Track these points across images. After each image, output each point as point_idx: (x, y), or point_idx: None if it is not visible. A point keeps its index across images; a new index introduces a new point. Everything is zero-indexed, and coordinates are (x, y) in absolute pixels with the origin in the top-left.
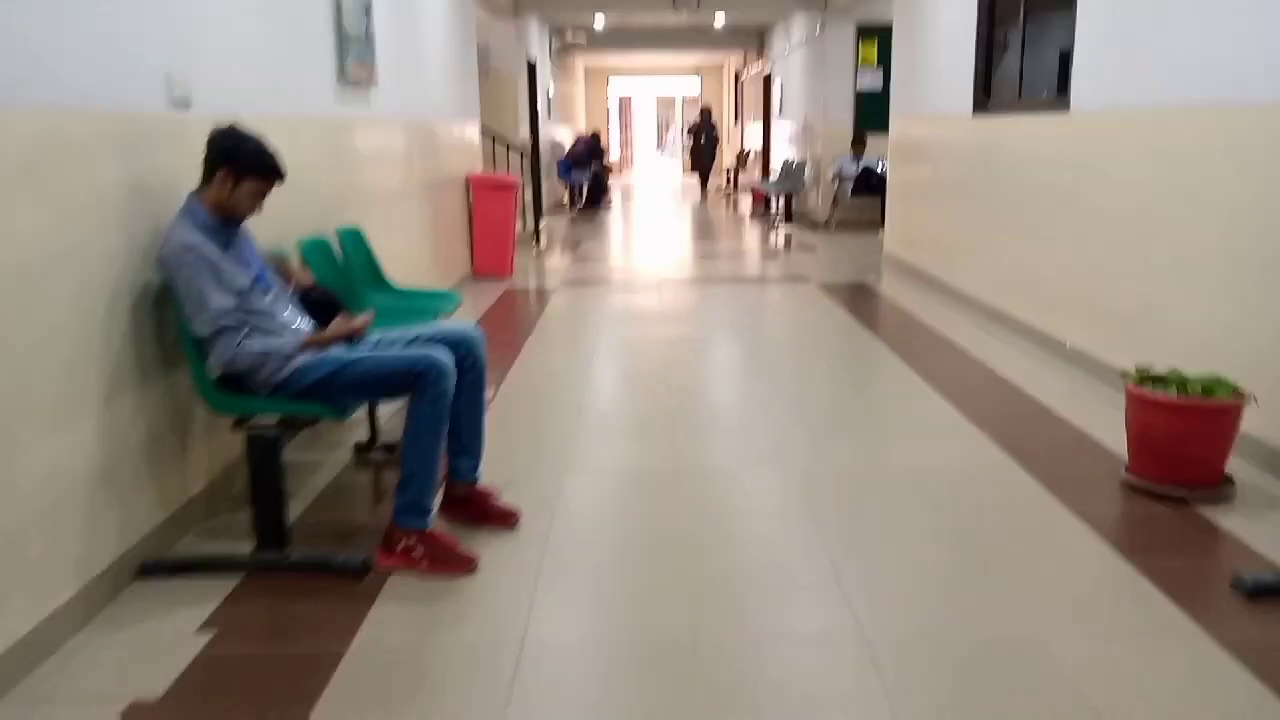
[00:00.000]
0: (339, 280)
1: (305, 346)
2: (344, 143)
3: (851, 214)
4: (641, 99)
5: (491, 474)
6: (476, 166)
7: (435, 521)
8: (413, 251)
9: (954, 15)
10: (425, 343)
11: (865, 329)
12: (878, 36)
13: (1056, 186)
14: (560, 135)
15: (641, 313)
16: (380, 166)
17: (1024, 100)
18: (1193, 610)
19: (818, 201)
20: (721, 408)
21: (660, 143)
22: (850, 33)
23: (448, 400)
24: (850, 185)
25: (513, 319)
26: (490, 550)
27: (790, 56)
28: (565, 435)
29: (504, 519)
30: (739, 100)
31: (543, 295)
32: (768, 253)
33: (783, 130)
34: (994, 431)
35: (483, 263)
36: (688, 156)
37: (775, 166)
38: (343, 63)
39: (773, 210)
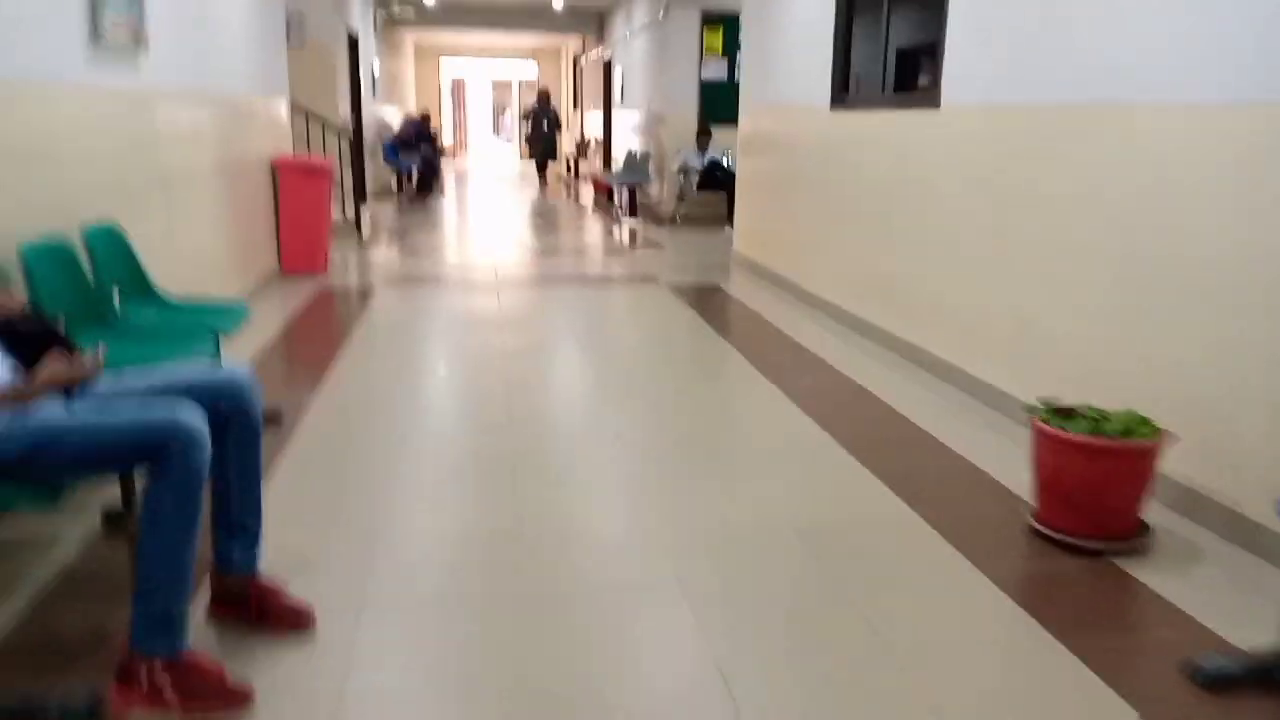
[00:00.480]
0: (79, 296)
1: None
2: (100, 119)
3: (697, 209)
4: (476, 81)
5: (277, 555)
6: (286, 149)
7: (193, 637)
8: (202, 249)
9: (810, 3)
10: (174, 395)
11: (721, 337)
12: (723, 24)
13: (923, 187)
14: (388, 116)
15: (477, 318)
16: (154, 148)
17: (888, 95)
18: (1146, 708)
19: (662, 194)
20: (571, 443)
21: (496, 127)
22: (695, 20)
23: (199, 477)
24: (696, 179)
25: (324, 327)
26: (273, 672)
27: (631, 42)
28: (379, 489)
29: (294, 620)
30: (578, 86)
31: (363, 296)
32: (613, 249)
33: (625, 119)
34: (877, 466)
35: (292, 258)
36: (524, 143)
37: (618, 156)
38: (96, 18)
39: (616, 202)
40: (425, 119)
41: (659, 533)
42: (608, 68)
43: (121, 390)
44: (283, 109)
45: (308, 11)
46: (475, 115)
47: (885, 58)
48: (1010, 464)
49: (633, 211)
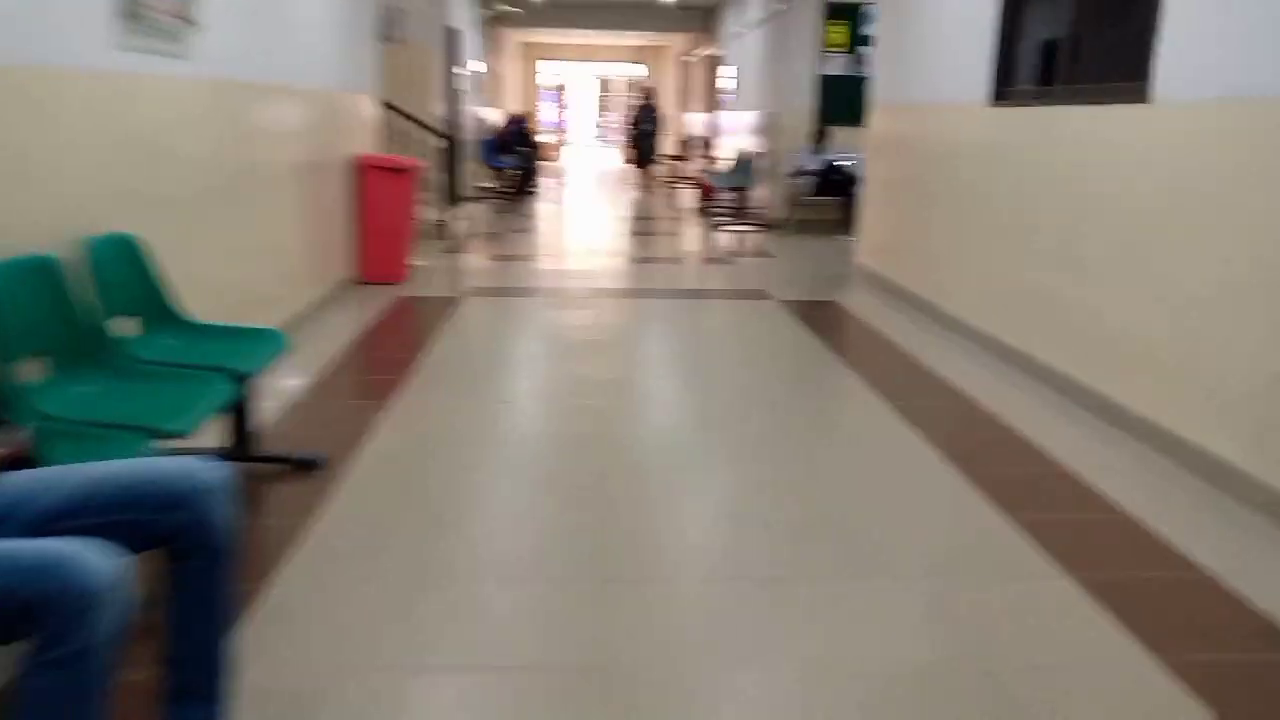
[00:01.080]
0: (60, 325)
1: None
2: (136, 111)
3: (811, 215)
4: (581, 80)
5: (266, 675)
6: (375, 148)
7: None
8: (266, 257)
9: None
10: (98, 506)
11: (849, 369)
12: (848, 17)
13: (1123, 200)
14: (488, 116)
15: (568, 338)
16: (211, 145)
17: (1077, 88)
18: None
19: (773, 198)
20: (678, 524)
21: (599, 127)
22: (815, 12)
23: (99, 657)
24: (811, 183)
25: (395, 347)
26: None
27: (744, 37)
28: (428, 584)
29: None
30: (684, 85)
31: (445, 308)
32: (718, 257)
33: (733, 118)
34: (1071, 564)
35: (373, 265)
36: (629, 144)
37: (724, 157)
38: None
39: (721, 206)
40: (525, 119)
41: (791, 679)
42: (714, 65)
43: (43, 490)
44: (368, 106)
45: (407, 8)
46: (578, 115)
47: (1076, 40)
48: (1260, 576)
49: (740, 215)
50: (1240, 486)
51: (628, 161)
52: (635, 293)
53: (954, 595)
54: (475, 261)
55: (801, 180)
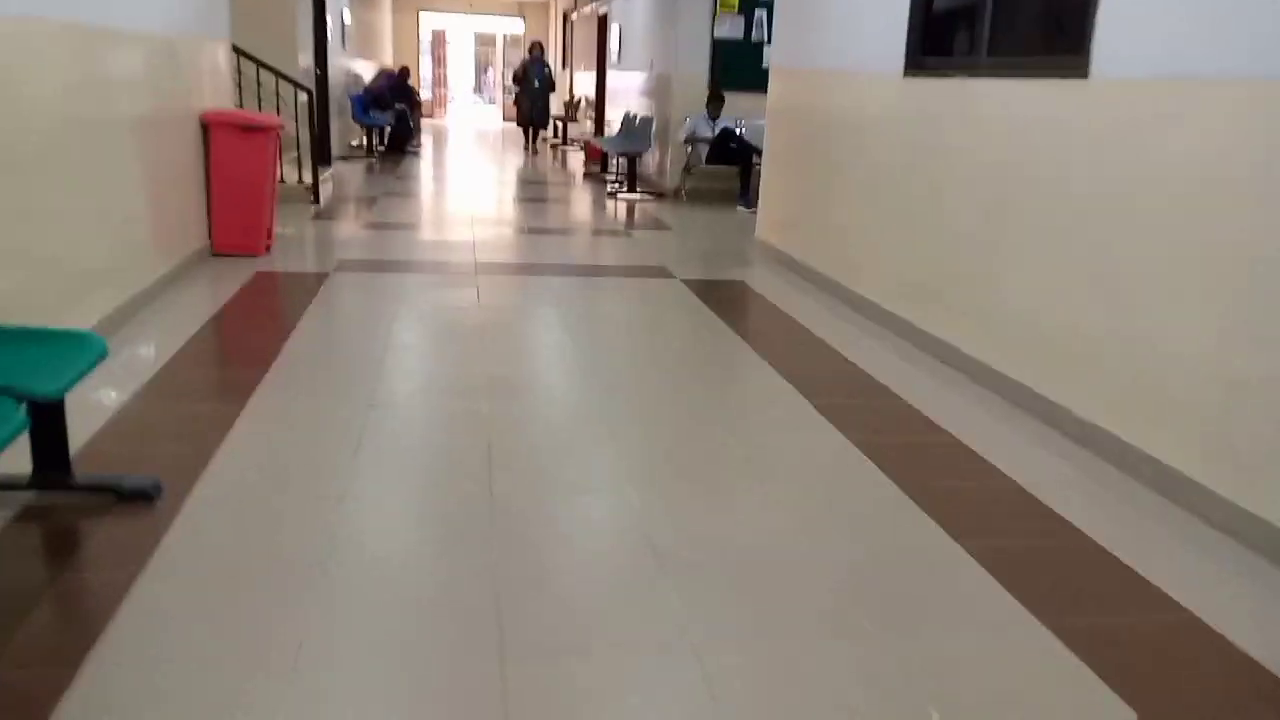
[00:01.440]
0: None
1: None
2: None
3: (705, 183)
4: (459, 35)
5: None
6: (227, 103)
7: None
8: (97, 227)
9: None
10: None
11: (769, 365)
12: None
13: (1056, 184)
14: (361, 69)
15: (451, 323)
16: (20, 94)
17: (1006, 60)
18: None
19: (665, 165)
20: (582, 567)
21: (478, 85)
22: None
23: None
24: (705, 150)
25: (251, 335)
26: None
27: None
28: (274, 668)
29: None
30: (568, 44)
31: (311, 285)
32: (612, 228)
33: (621, 80)
34: (1047, 615)
35: (227, 234)
36: (514, 104)
37: (613, 120)
38: None
39: (612, 173)
40: (404, 72)
41: None
42: (603, 23)
43: None
44: (221, 55)
45: None
46: (456, 72)
47: (988, 9)
48: (1256, 622)
49: (631, 185)
50: (1179, 490)
51: (516, 122)
52: (524, 268)
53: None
54: (346, 230)
55: (695, 147)
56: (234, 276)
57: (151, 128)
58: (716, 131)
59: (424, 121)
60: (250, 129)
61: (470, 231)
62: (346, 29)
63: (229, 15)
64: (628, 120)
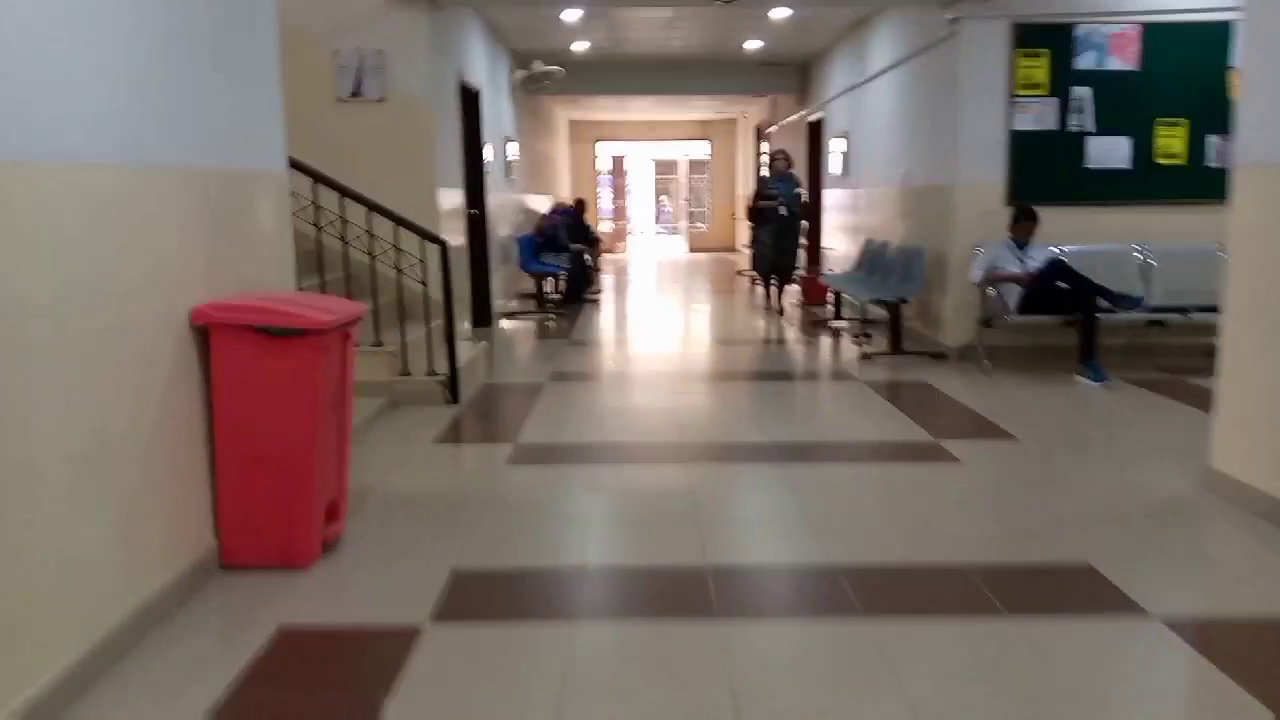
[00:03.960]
0: None
1: None
2: None
3: (1008, 337)
4: (637, 162)
5: None
6: (275, 277)
7: None
8: None
9: None
10: None
11: None
12: (1050, 46)
13: None
14: (532, 203)
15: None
16: None
17: None
18: None
19: (939, 312)
20: None
21: (658, 214)
22: (1000, 38)
23: None
24: (1014, 293)
25: None
26: None
27: (870, 86)
28: None
29: None
30: (760, 160)
31: (392, 657)
32: (906, 435)
33: (846, 199)
34: None
35: (241, 536)
36: (752, 244)
37: (836, 248)
38: None
39: (845, 318)
40: (579, 206)
41: None
42: (815, 131)
43: None
44: (268, 193)
45: (389, 49)
46: (637, 201)
47: None
48: None
49: (895, 343)
50: None
51: (753, 266)
52: (763, 518)
53: None
54: (491, 460)
55: (999, 290)
56: (236, 637)
57: (88, 341)
58: (1030, 264)
59: (605, 257)
60: (282, 334)
61: (686, 465)
62: (511, 163)
63: (282, 131)
64: (872, 251)
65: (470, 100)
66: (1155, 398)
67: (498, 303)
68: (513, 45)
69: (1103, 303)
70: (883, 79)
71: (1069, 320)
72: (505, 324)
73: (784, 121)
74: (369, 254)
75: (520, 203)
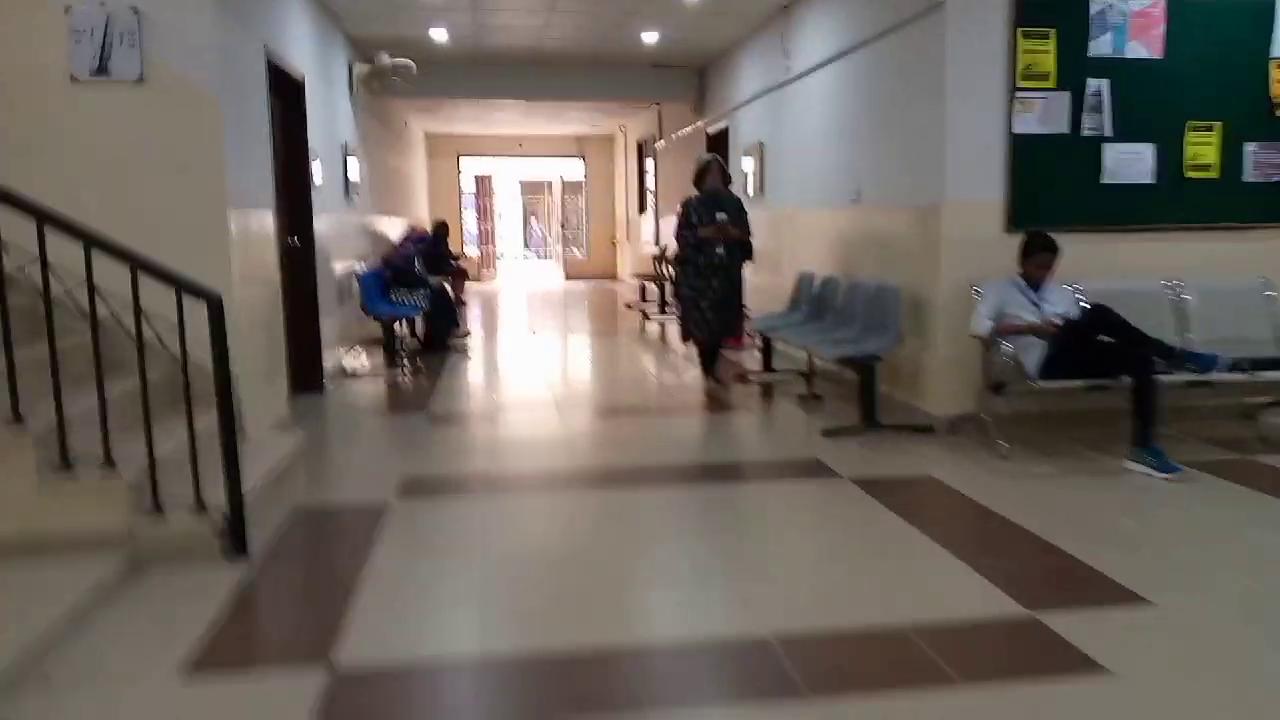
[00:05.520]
0: None
1: None
2: None
3: (1021, 405)
4: (504, 182)
5: None
6: None
7: None
8: None
9: None
10: None
11: None
12: (1057, 24)
13: None
14: (384, 227)
15: None
16: None
17: None
18: None
19: (918, 371)
20: None
21: (526, 238)
22: (997, 14)
23: None
24: (1035, 351)
25: None
26: None
27: (797, 86)
28: None
29: None
30: (644, 183)
31: None
32: (961, 600)
33: (762, 221)
34: None
35: None
36: (671, 281)
37: (758, 283)
38: None
39: (770, 370)
40: (440, 230)
41: None
42: (716, 146)
43: None
44: None
45: (153, 11)
46: (504, 224)
47: None
48: None
49: (867, 414)
50: None
51: (682, 332)
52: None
53: None
54: (301, 709)
55: (1011, 345)
56: None
57: None
58: (1048, 309)
59: (470, 285)
60: None
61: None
62: (353, 183)
63: None
64: (811, 288)
65: (289, 91)
66: (1250, 494)
67: (333, 358)
68: (350, 30)
69: (1162, 363)
70: (818, 76)
71: (1097, 384)
72: (344, 383)
73: (678, 134)
74: (86, 313)
75: (366, 226)
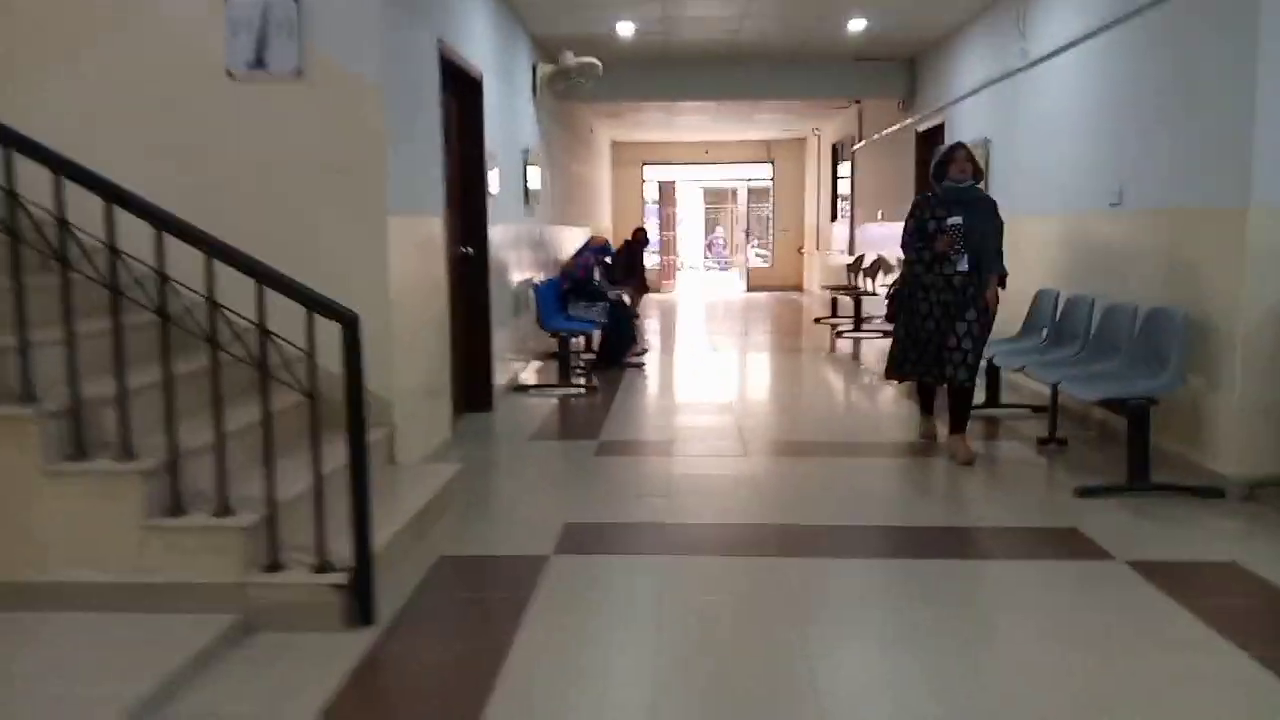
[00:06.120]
0: None
1: None
2: None
3: None
4: (687, 190)
5: None
6: None
7: None
8: None
9: None
10: None
11: None
12: None
13: None
14: (566, 238)
15: None
16: None
17: None
18: None
19: (1199, 417)
20: None
21: (710, 246)
22: None
23: None
24: None
25: None
26: None
27: (1036, 71)
28: None
29: None
30: (837, 189)
31: None
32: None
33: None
34: None
35: None
36: (886, 300)
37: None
38: None
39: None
40: (638, 237)
41: None
42: (926, 145)
43: None
44: None
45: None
46: (685, 234)
47: None
48: None
49: (1136, 472)
50: None
51: (889, 369)
52: None
53: None
54: None
55: None
56: None
57: None
58: None
59: (649, 296)
60: None
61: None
62: (533, 190)
63: None
64: (1056, 308)
65: (467, 90)
66: None
67: (505, 374)
68: (534, 29)
69: None
70: (1065, 59)
71: None
72: (516, 401)
73: (882, 133)
74: (208, 338)
75: (546, 236)
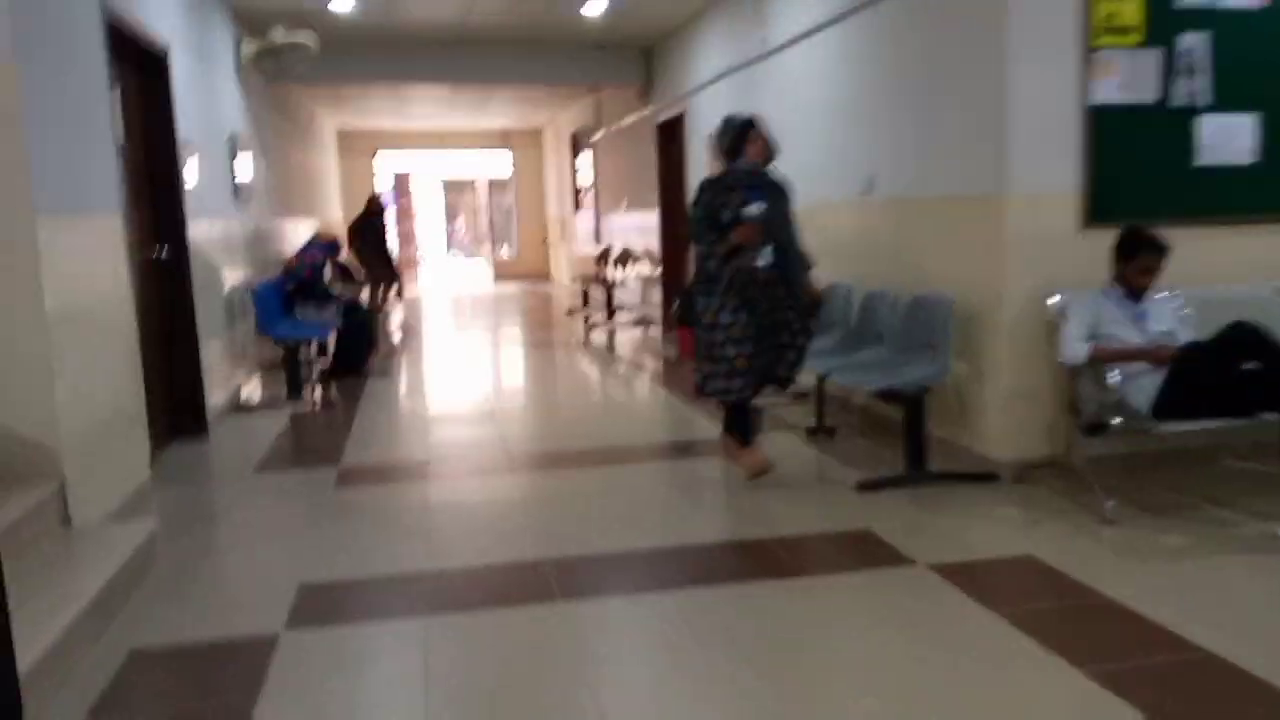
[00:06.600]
0: None
1: None
2: None
3: (1128, 445)
4: (425, 179)
5: None
6: None
7: None
8: None
9: None
10: None
11: None
12: None
13: None
14: (292, 232)
15: None
16: None
17: None
18: None
19: (988, 406)
20: None
21: (450, 238)
22: None
23: None
24: (1150, 382)
25: None
26: None
27: (781, 58)
28: None
29: None
30: (577, 179)
31: None
32: None
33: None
34: None
35: None
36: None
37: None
38: None
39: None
40: (371, 209)
41: None
42: (668, 134)
43: None
44: None
45: None
46: (425, 225)
47: None
48: None
49: (915, 459)
50: None
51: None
52: None
53: None
54: None
55: (1110, 377)
56: None
57: None
58: (1154, 328)
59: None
60: None
61: None
62: (240, 186)
63: None
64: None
65: (149, 66)
66: None
67: (220, 393)
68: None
69: None
70: (805, 46)
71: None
72: (236, 422)
73: (621, 124)
74: None
75: (264, 231)
